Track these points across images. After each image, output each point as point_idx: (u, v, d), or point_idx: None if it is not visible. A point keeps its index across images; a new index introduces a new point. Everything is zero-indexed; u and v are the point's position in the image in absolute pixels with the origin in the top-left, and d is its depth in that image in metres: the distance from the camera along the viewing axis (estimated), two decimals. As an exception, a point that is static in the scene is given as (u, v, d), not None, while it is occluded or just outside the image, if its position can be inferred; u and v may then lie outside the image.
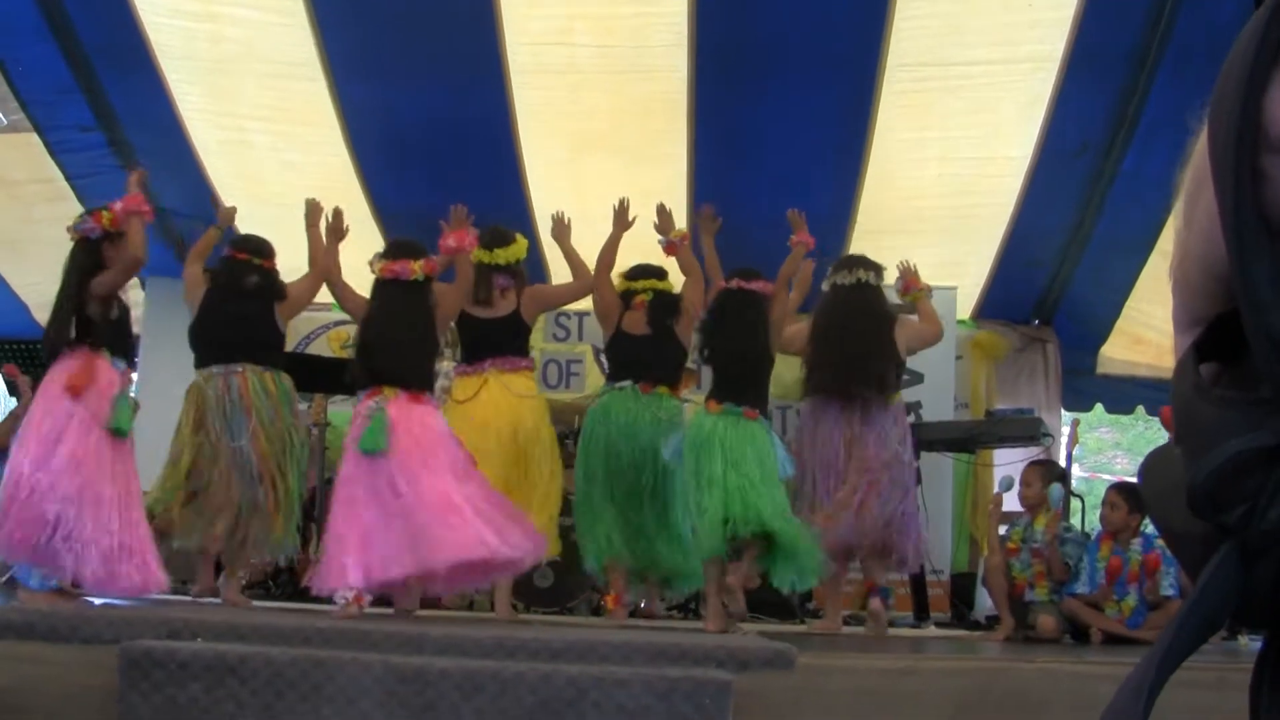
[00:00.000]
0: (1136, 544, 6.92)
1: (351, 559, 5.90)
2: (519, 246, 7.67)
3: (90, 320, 6.47)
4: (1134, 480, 7.34)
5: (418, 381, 6.38)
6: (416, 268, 6.62)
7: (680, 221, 9.79)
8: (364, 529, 6.00)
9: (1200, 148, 1.04)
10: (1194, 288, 1.11)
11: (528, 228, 10.35)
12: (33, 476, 5.89)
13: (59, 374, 6.24)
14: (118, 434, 6.24)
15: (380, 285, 6.78)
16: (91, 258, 6.60)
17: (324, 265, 7.24)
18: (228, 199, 10.10)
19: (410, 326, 6.55)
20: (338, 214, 7.40)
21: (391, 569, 5.91)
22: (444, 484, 6.04)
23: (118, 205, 6.72)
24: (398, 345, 6.45)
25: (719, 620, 6.53)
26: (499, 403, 7.28)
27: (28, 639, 4.56)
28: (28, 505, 5.85)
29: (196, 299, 7.35)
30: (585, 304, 8.69)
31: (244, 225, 10.09)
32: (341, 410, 9.33)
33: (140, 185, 6.93)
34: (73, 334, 6.41)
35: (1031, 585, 7.10)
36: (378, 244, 10.55)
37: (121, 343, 6.81)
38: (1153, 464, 1.23)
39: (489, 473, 6.64)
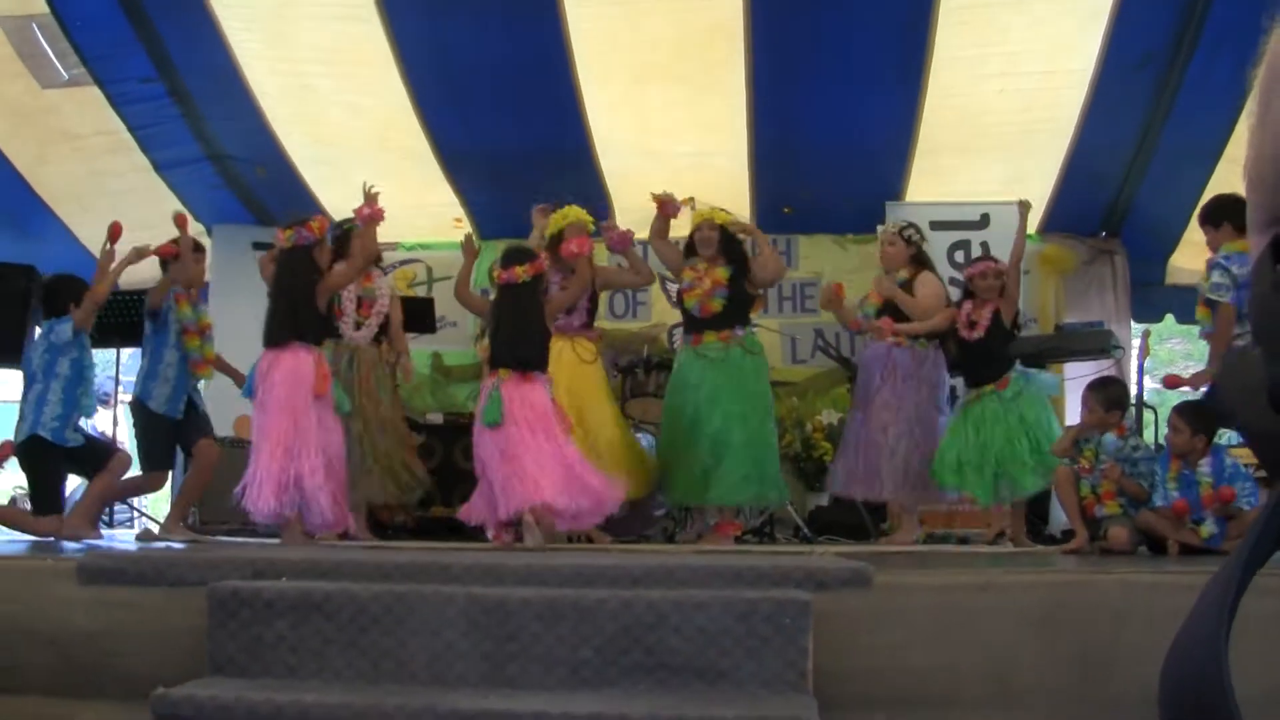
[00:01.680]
0: (1205, 466, 6.75)
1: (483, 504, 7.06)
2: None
3: (313, 317, 7.41)
4: (1195, 400, 7.23)
5: (528, 363, 7.16)
6: (521, 272, 7.28)
7: (740, 153, 9.87)
8: (487, 484, 7.04)
9: (1275, 46, 1.03)
10: (1270, 185, 1.11)
11: (588, 160, 10.38)
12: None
13: (290, 371, 7.13)
14: (342, 411, 7.39)
15: (499, 288, 7.42)
16: (310, 263, 7.45)
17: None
18: (289, 143, 10.20)
19: (518, 320, 7.29)
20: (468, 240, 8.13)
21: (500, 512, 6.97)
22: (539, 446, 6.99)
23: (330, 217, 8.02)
24: (510, 336, 7.26)
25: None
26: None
27: (117, 583, 4.65)
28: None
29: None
30: (646, 233, 8.72)
31: (305, 168, 10.16)
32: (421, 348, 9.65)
33: (371, 197, 7.74)
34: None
35: (1100, 501, 7.02)
36: (440, 182, 10.65)
37: (332, 330, 7.93)
38: (1232, 365, 1.22)
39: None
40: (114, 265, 7.58)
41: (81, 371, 7.52)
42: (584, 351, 8.12)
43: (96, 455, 7.66)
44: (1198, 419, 6.62)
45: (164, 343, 7.68)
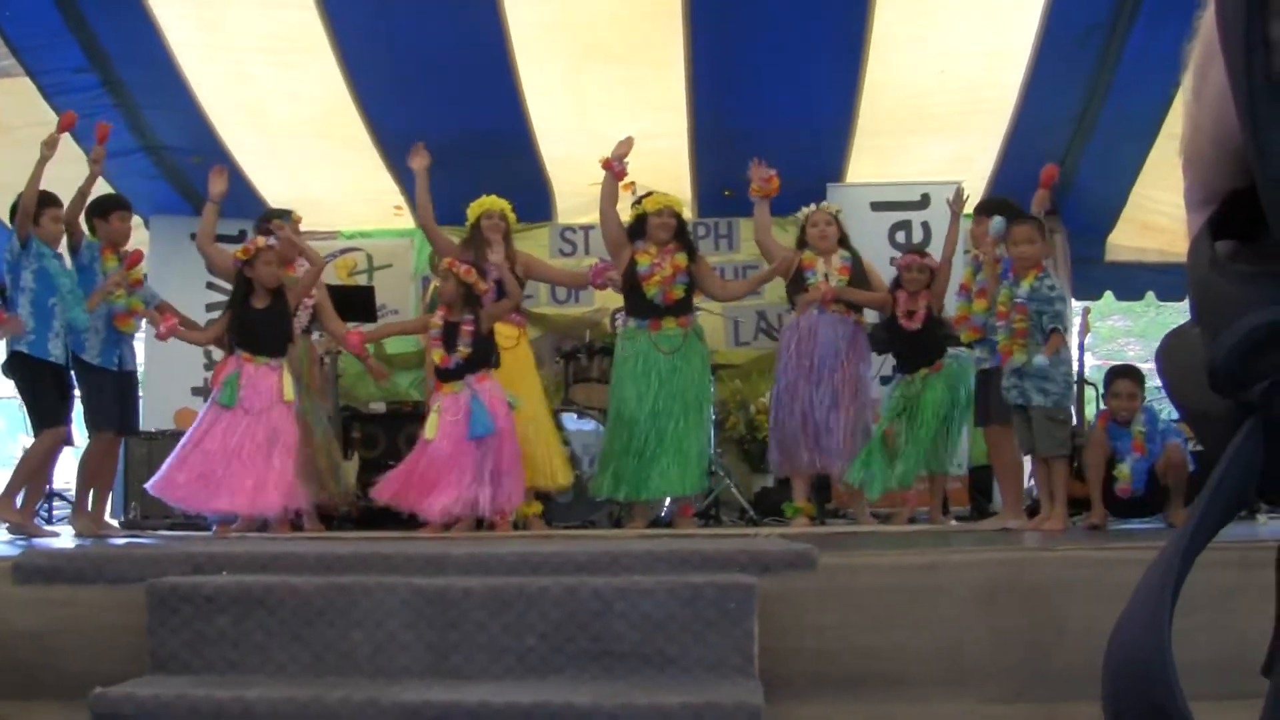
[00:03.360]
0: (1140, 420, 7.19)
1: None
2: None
3: None
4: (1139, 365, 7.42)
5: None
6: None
7: (681, 134, 9.86)
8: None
9: (1209, 20, 1.01)
10: (1207, 162, 1.09)
11: (528, 145, 10.33)
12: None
13: None
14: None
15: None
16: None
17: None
18: (225, 132, 10.07)
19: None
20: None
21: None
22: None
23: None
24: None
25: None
26: None
27: (55, 582, 4.59)
28: None
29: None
30: (592, 217, 8.71)
31: (245, 157, 10.06)
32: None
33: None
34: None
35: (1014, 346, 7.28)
36: (379, 169, 10.58)
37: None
38: (1171, 344, 1.21)
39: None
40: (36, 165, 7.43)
41: (49, 281, 7.38)
42: (503, 339, 8.10)
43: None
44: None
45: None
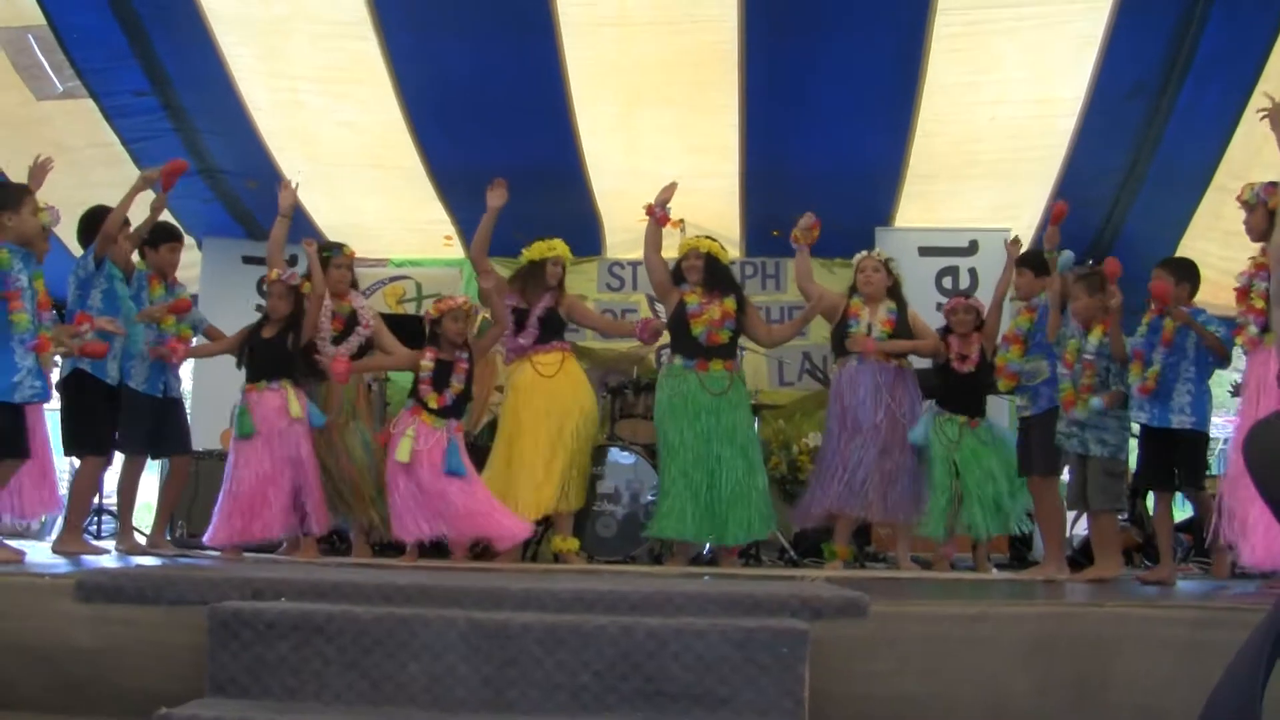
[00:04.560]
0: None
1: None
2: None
3: None
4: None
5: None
6: None
7: (731, 175, 9.95)
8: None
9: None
10: None
11: (580, 180, 10.42)
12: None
13: None
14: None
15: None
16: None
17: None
18: (281, 158, 10.19)
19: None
20: None
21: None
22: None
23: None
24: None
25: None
26: None
27: (116, 601, 4.67)
28: None
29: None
30: (641, 253, 8.77)
31: (298, 185, 10.18)
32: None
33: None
34: None
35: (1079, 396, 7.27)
36: (431, 199, 10.69)
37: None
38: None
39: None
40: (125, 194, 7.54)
41: (115, 304, 7.47)
42: (543, 366, 8.16)
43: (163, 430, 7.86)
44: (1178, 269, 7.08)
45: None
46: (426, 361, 7.80)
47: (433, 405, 7.70)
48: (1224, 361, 6.91)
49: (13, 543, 6.70)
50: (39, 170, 7.05)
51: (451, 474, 7.52)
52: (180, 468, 8.17)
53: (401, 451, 7.52)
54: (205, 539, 7.65)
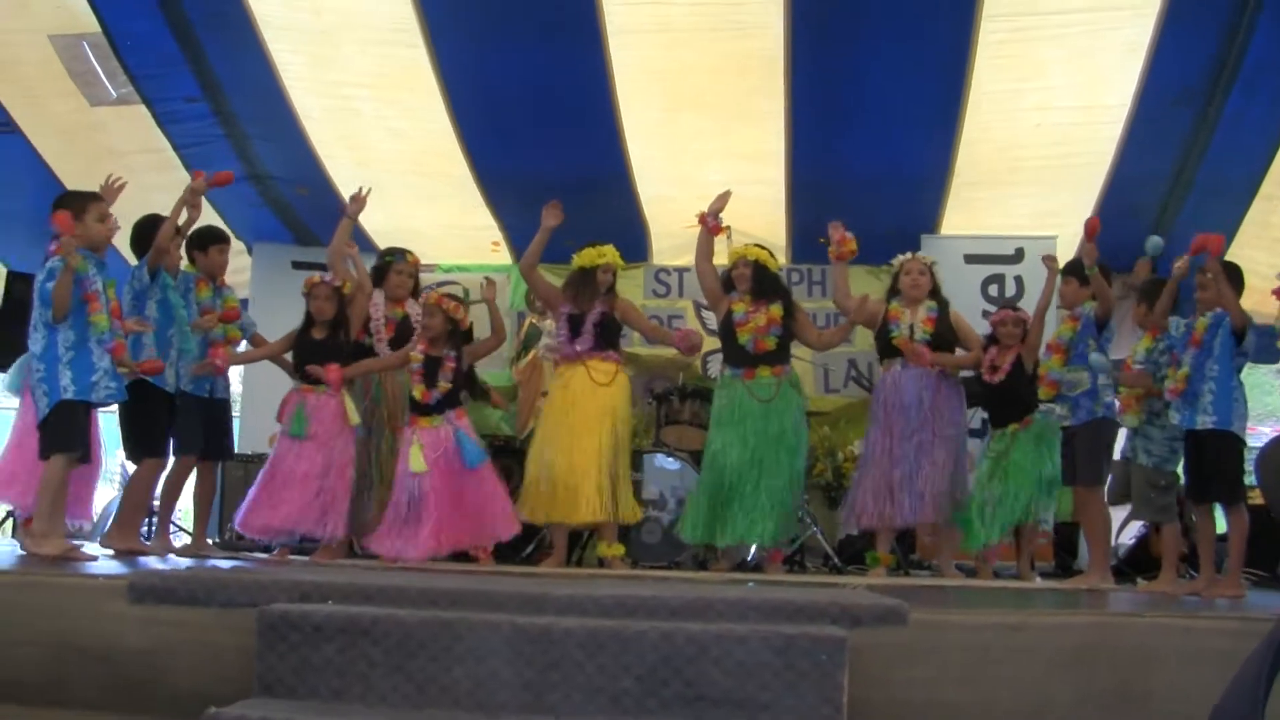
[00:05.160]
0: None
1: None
2: None
3: None
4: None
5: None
6: None
7: (778, 182, 9.97)
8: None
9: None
10: None
11: (626, 185, 10.47)
12: None
13: None
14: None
15: None
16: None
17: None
18: (331, 165, 10.29)
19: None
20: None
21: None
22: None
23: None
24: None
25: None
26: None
27: (167, 603, 4.75)
28: None
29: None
30: (686, 260, 8.80)
31: (347, 189, 10.28)
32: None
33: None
34: None
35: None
36: (479, 206, 10.76)
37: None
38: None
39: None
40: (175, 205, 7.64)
41: (170, 312, 7.59)
42: (598, 374, 8.14)
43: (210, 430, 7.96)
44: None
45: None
46: (417, 354, 7.83)
47: (419, 398, 7.72)
48: (1240, 338, 6.82)
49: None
50: (110, 191, 7.11)
51: (474, 466, 7.62)
52: (208, 471, 8.26)
53: (415, 462, 7.55)
54: (236, 523, 7.80)
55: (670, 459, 8.98)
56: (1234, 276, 7.07)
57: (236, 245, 11.25)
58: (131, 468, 7.94)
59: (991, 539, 7.99)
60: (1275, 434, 6.82)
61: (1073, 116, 9.58)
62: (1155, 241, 7.49)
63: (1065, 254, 10.40)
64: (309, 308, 8.00)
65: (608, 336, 8.26)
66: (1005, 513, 7.90)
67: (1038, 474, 7.93)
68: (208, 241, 8.12)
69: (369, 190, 8.40)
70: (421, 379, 7.76)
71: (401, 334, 8.28)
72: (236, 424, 9.13)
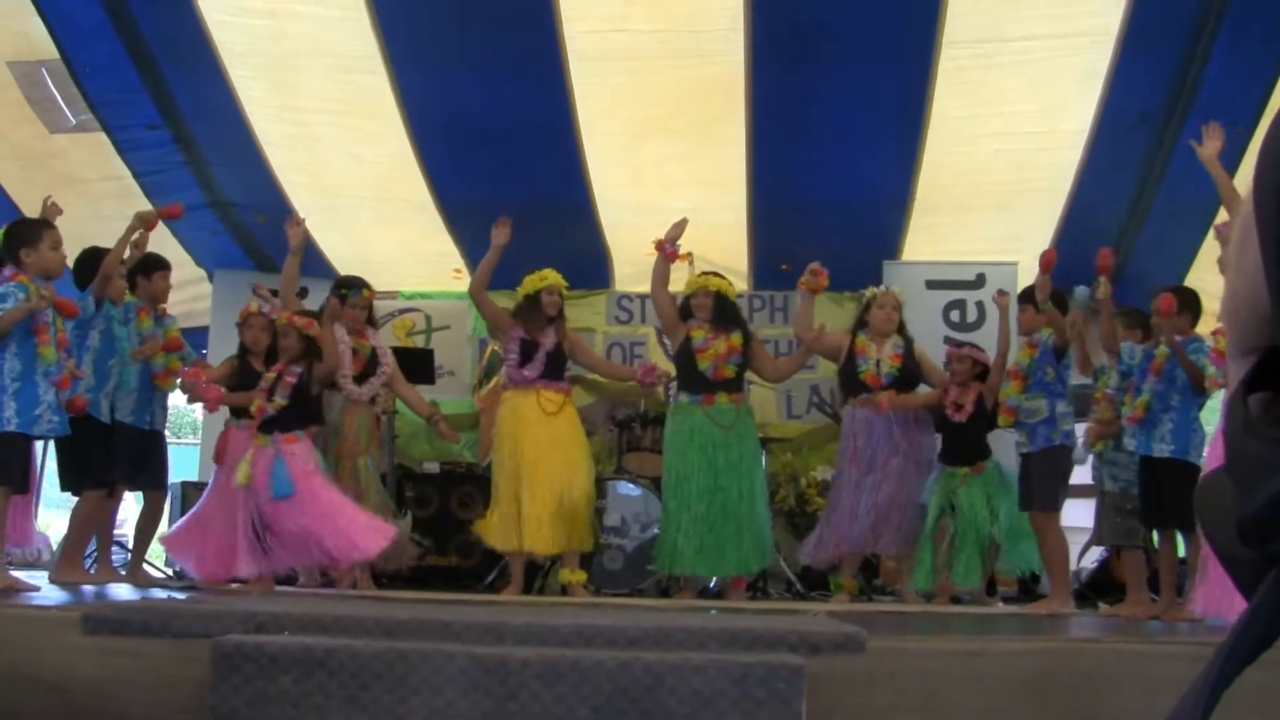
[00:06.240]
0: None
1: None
2: None
3: None
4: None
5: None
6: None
7: (739, 208, 9.99)
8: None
9: (1247, 206, 1.11)
10: (1243, 323, 1.19)
11: (588, 213, 10.48)
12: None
13: None
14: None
15: None
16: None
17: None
18: (291, 192, 10.26)
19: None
20: None
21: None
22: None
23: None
24: None
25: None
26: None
27: (122, 634, 4.71)
28: None
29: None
30: (647, 286, 8.81)
31: (309, 216, 10.26)
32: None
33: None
34: None
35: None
36: (440, 232, 10.74)
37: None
38: (1206, 490, 1.30)
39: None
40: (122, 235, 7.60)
41: (112, 344, 7.55)
42: (548, 403, 8.16)
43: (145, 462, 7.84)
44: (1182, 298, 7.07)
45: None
46: (270, 373, 7.74)
47: (252, 412, 7.57)
48: (1200, 393, 6.90)
49: (20, 574, 6.78)
50: (49, 212, 7.09)
51: (278, 498, 7.31)
52: (155, 501, 8.22)
53: (240, 474, 7.38)
54: (193, 572, 7.75)
55: (632, 485, 8.97)
56: (1192, 303, 7.12)
57: (197, 273, 11.26)
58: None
59: (972, 583, 8.05)
60: (1212, 466, 6.82)
61: (1033, 142, 9.62)
62: (1083, 291, 7.55)
63: (1026, 279, 10.44)
64: (243, 338, 7.98)
65: (558, 367, 8.31)
66: (967, 558, 7.97)
67: (988, 532, 8.03)
68: (152, 268, 8.09)
69: (305, 218, 8.47)
70: (266, 394, 7.60)
71: (369, 367, 8.29)
72: (197, 451, 9.08)
